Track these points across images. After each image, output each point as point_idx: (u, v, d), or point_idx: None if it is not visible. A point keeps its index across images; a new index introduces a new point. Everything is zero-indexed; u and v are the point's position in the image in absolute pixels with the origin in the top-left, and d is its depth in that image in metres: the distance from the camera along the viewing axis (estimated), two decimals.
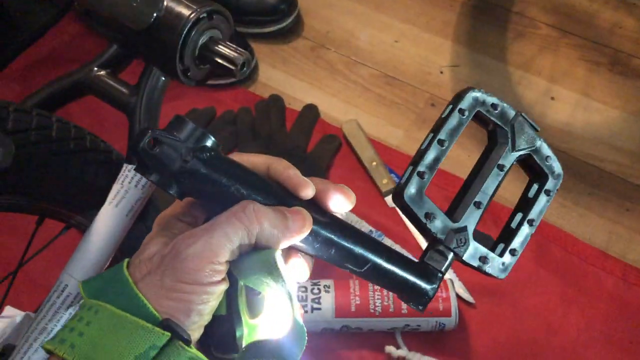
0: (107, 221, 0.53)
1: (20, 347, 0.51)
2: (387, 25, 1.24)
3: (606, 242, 0.95)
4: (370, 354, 0.85)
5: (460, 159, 1.00)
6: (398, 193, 0.40)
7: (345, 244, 0.39)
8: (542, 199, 0.45)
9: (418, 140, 1.06)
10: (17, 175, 0.47)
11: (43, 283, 0.86)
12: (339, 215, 0.41)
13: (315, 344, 0.85)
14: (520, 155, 0.44)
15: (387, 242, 0.95)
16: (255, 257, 0.37)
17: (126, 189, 0.54)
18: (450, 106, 0.42)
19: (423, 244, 0.89)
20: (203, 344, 0.40)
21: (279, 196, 0.39)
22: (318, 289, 0.83)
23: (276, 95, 1.10)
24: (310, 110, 1.09)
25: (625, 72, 1.15)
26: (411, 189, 0.40)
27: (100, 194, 0.54)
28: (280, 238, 0.37)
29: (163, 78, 0.56)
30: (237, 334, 0.41)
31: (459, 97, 0.42)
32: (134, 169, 0.38)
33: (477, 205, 0.43)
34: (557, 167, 0.46)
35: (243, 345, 0.41)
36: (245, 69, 0.55)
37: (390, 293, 0.83)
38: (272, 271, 0.36)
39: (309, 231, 0.38)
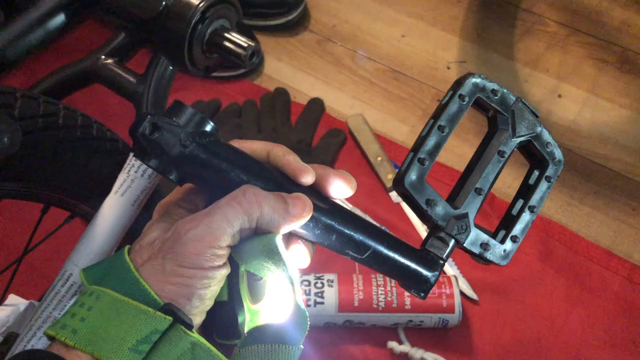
0: (112, 210, 0.53)
1: (23, 335, 0.51)
2: (394, 19, 1.23)
3: (612, 242, 0.95)
4: (372, 349, 0.84)
5: (466, 155, 1.00)
6: (399, 179, 0.40)
7: (346, 230, 0.39)
8: (543, 185, 0.45)
9: None
10: (23, 162, 0.47)
11: (47, 272, 0.86)
12: (342, 203, 0.41)
13: (318, 338, 0.85)
14: (520, 142, 0.44)
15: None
16: (256, 241, 0.37)
17: (132, 178, 0.53)
18: (451, 92, 0.42)
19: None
20: (205, 330, 0.40)
21: (279, 182, 0.39)
22: (321, 283, 0.83)
23: (282, 89, 1.10)
24: (316, 104, 1.08)
25: (633, 71, 1.15)
26: (412, 176, 0.40)
27: (106, 183, 0.53)
28: (280, 223, 0.37)
29: (171, 67, 0.56)
30: (239, 319, 0.41)
31: (458, 83, 0.42)
32: (133, 155, 0.38)
33: (478, 191, 0.42)
34: (558, 153, 0.45)
35: (245, 331, 0.41)
36: (254, 58, 0.54)
37: (394, 289, 0.83)
38: (273, 256, 0.36)
39: (309, 216, 0.38)
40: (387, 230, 0.96)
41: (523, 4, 1.25)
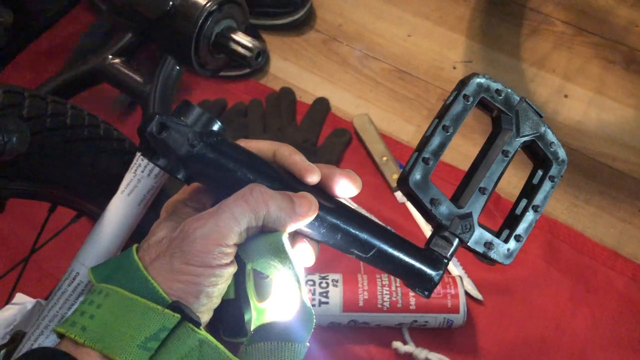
0: (119, 210, 0.53)
1: (30, 334, 0.51)
2: (400, 19, 1.23)
3: (617, 242, 0.94)
4: (377, 349, 0.84)
5: (471, 154, 0.99)
6: (403, 179, 0.40)
7: (351, 229, 0.39)
8: (547, 185, 0.45)
9: None
10: (31, 161, 0.47)
11: (54, 271, 0.87)
12: (347, 203, 0.41)
13: (323, 338, 0.85)
14: (524, 141, 0.44)
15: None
16: (262, 240, 0.37)
17: (139, 177, 0.54)
18: (455, 92, 0.42)
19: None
20: (212, 328, 0.40)
21: (285, 181, 0.39)
22: (326, 283, 0.83)
23: (287, 88, 1.10)
24: (321, 104, 1.08)
25: None
26: (416, 175, 0.40)
27: (112, 182, 0.54)
28: (287, 221, 0.37)
29: (178, 67, 0.56)
30: (246, 317, 0.41)
31: (463, 83, 0.42)
32: (141, 154, 0.38)
33: (482, 191, 0.42)
34: (562, 153, 0.45)
35: (251, 329, 0.41)
36: (260, 58, 0.55)
37: (399, 289, 0.83)
38: (280, 254, 0.36)
39: (315, 215, 0.38)
40: (392, 230, 0.96)
41: (530, 4, 1.24)
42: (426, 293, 0.41)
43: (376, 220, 0.96)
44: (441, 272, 0.41)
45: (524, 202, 0.45)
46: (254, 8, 1.14)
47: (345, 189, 0.40)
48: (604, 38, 1.19)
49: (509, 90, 0.43)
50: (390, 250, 0.40)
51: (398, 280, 0.77)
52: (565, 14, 1.23)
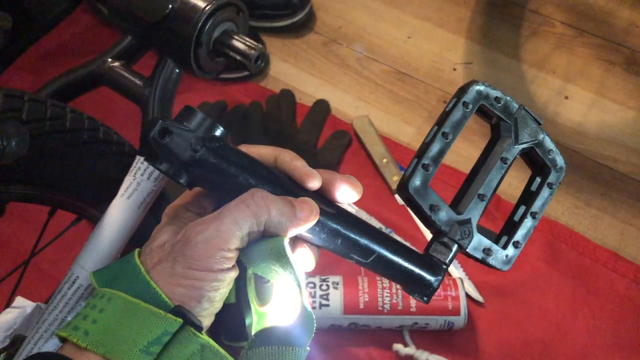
0: (119, 213, 0.53)
1: (30, 337, 0.51)
2: (400, 20, 1.23)
3: (619, 244, 0.94)
4: (378, 351, 0.84)
5: (472, 157, 0.99)
6: (403, 185, 0.41)
7: (351, 234, 0.39)
8: (545, 191, 0.45)
9: None
10: (30, 165, 0.47)
11: (54, 274, 0.87)
12: (348, 207, 0.41)
13: (323, 340, 0.85)
14: (523, 148, 0.44)
15: (396, 239, 0.95)
16: (264, 245, 0.37)
17: (138, 181, 0.54)
18: (455, 99, 0.43)
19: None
20: (213, 332, 0.41)
21: (286, 186, 0.39)
22: (327, 285, 0.83)
23: (287, 90, 1.10)
24: (321, 106, 1.08)
25: None
26: (416, 181, 0.40)
27: (112, 185, 0.54)
28: (288, 226, 0.37)
29: (177, 70, 0.56)
30: (247, 321, 0.41)
31: (462, 90, 0.43)
32: (144, 159, 0.38)
33: (481, 197, 0.43)
34: (560, 160, 0.46)
35: (252, 333, 0.41)
36: (259, 62, 0.54)
37: (399, 291, 0.82)
38: (281, 258, 0.36)
39: (315, 220, 0.38)
40: (393, 233, 0.96)
41: (530, 5, 1.24)
42: (425, 299, 0.41)
43: (377, 224, 0.96)
44: (440, 277, 0.41)
45: (522, 209, 0.45)
46: (254, 11, 1.14)
47: (346, 194, 0.41)
48: (604, 39, 1.19)
49: (508, 97, 0.44)
50: (389, 255, 0.40)
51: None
52: (566, 15, 1.23)
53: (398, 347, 0.83)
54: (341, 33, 1.21)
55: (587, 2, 1.24)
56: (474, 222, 0.42)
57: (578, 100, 1.11)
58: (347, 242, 0.39)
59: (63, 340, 0.34)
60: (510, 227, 0.45)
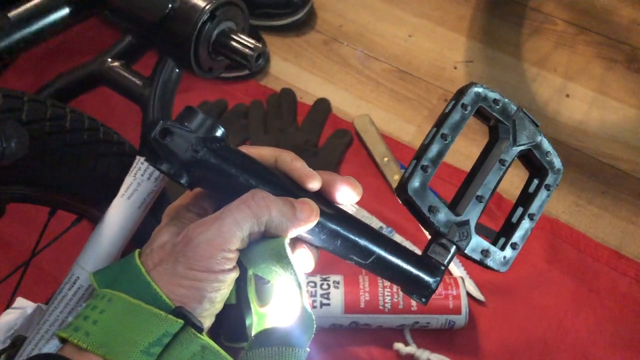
0: (119, 213, 0.53)
1: (31, 338, 0.51)
2: (401, 19, 1.23)
3: (620, 242, 0.94)
4: (378, 350, 0.84)
5: (473, 155, 0.99)
6: (402, 187, 0.41)
7: (351, 235, 0.40)
8: (543, 193, 0.46)
9: None
10: (30, 165, 0.47)
11: (54, 274, 0.87)
12: (349, 208, 0.41)
13: (324, 339, 0.85)
14: (521, 150, 0.45)
15: (398, 238, 0.95)
16: (264, 245, 0.37)
17: (139, 181, 0.53)
18: (453, 101, 0.43)
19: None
20: (213, 333, 0.41)
21: (287, 187, 0.39)
22: (327, 284, 0.83)
23: (288, 89, 1.10)
24: (322, 105, 1.08)
25: None
26: (415, 183, 0.41)
27: (112, 185, 0.53)
28: (288, 227, 0.37)
29: (177, 70, 0.56)
30: (247, 322, 0.41)
31: (461, 92, 0.43)
32: (145, 159, 0.38)
33: (479, 199, 0.43)
34: (557, 162, 0.46)
35: (252, 334, 0.41)
36: (259, 61, 0.54)
37: (400, 290, 0.82)
38: (282, 259, 0.36)
39: (316, 221, 0.38)
40: (394, 232, 0.96)
41: (531, 3, 1.24)
42: (423, 300, 0.41)
43: (378, 224, 0.95)
44: (438, 279, 0.41)
45: (520, 210, 0.46)
46: (255, 9, 1.14)
47: (346, 195, 0.41)
48: (605, 37, 1.18)
49: (506, 100, 0.44)
50: (388, 257, 0.40)
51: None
52: (567, 13, 1.22)
53: (399, 346, 0.83)
54: (342, 32, 1.21)
55: (588, 0, 1.24)
56: (472, 224, 0.42)
57: (579, 98, 1.11)
58: (347, 243, 0.40)
59: (63, 341, 0.34)
60: (508, 228, 0.45)
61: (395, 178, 0.99)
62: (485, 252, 0.43)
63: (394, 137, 1.06)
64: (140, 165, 0.54)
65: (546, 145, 0.46)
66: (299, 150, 1.00)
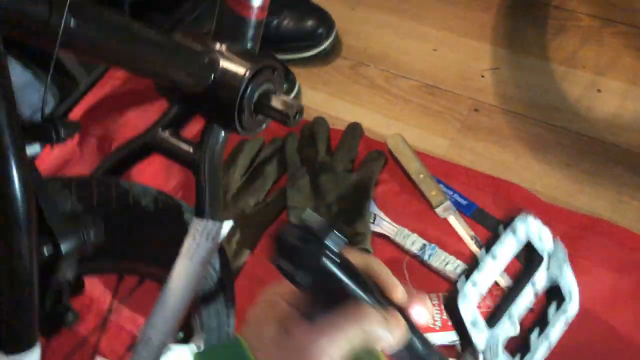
0: (183, 275, 0.57)
1: None
2: (424, 34, 1.24)
3: None
4: None
5: (506, 162, 1.00)
6: (452, 299, 0.43)
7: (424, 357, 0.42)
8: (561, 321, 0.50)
9: (464, 148, 1.07)
10: (103, 244, 0.51)
11: (131, 330, 0.91)
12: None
13: None
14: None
15: (441, 254, 0.95)
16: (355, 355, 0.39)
17: (197, 242, 0.57)
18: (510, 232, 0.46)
19: (477, 252, 0.89)
20: None
21: (379, 300, 0.41)
22: None
23: (320, 118, 1.12)
24: (354, 129, 1.10)
25: None
26: (464, 299, 0.43)
27: (172, 246, 0.57)
28: (387, 342, 0.39)
29: (223, 133, 0.59)
30: None
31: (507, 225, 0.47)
32: (271, 260, 0.40)
33: (511, 319, 0.46)
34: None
35: None
36: (297, 117, 0.57)
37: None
38: None
39: (406, 340, 0.40)
40: (437, 249, 0.96)
41: (553, 1, 1.23)
42: None
43: (420, 242, 0.95)
44: None
45: (536, 332, 0.49)
46: (281, 45, 1.17)
47: (419, 314, 0.42)
48: (632, 26, 1.17)
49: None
50: None
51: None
52: (590, 6, 1.21)
53: None
54: (367, 54, 1.23)
55: None
56: (501, 342, 0.45)
57: (611, 92, 1.10)
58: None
59: None
60: (525, 350, 0.48)
61: (432, 193, 1.00)
62: None
63: (428, 152, 1.07)
64: (197, 227, 0.58)
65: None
66: (335, 178, 1.03)
